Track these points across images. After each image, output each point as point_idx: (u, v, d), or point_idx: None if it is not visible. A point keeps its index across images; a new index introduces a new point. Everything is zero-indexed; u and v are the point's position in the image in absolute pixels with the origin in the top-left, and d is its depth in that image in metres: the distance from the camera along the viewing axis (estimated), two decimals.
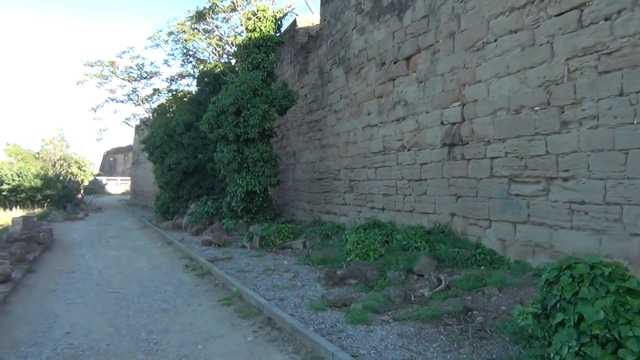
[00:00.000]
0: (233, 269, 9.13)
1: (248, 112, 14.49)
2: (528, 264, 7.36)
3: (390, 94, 11.44)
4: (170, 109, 23.18)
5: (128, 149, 56.16)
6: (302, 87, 17.06)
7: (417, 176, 10.38)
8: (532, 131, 7.31)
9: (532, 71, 7.33)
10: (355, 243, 8.93)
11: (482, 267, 7.72)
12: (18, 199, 27.23)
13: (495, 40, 8.09)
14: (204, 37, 18.94)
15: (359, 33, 12.91)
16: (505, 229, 7.91)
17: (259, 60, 15.20)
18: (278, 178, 15.42)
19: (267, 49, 15.40)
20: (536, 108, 7.25)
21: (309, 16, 18.61)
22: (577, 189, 6.58)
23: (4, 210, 25.04)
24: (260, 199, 15.01)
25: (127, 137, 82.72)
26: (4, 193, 27.30)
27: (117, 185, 57.91)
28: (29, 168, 29.34)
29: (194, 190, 19.69)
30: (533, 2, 7.33)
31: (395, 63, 11.22)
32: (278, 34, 16.01)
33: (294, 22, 18.10)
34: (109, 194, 54.31)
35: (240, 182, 14.61)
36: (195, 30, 19.41)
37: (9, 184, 27.35)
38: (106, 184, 57.07)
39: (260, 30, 15.29)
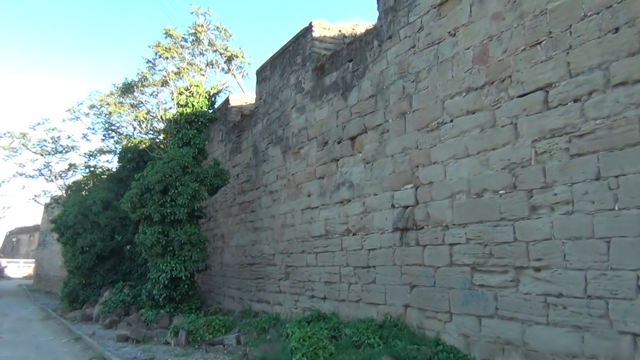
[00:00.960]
0: None
1: (176, 191, 13.38)
2: None
3: (334, 175, 10.84)
4: (87, 187, 21.42)
5: (34, 228, 51.99)
6: (234, 167, 16.23)
7: (364, 263, 9.60)
8: (497, 216, 6.81)
9: (495, 153, 6.95)
10: (301, 340, 7.84)
11: None
12: None
13: (452, 121, 7.75)
14: (130, 110, 17.89)
15: (298, 112, 12.45)
16: (468, 324, 7.18)
17: (190, 136, 14.32)
18: (206, 263, 14.12)
19: (199, 125, 14.61)
20: (501, 192, 6.79)
21: (241, 95, 18.16)
22: (552, 280, 6.01)
23: None
24: (186, 286, 13.59)
25: (34, 216, 77.01)
26: None
27: (19, 268, 52.88)
28: None
29: (109, 275, 17.76)
30: (492, 82, 7.08)
31: (339, 143, 10.72)
32: (211, 111, 15.31)
33: (227, 100, 17.56)
34: (9, 277, 49.28)
35: (164, 268, 13.20)
36: (120, 104, 18.38)
37: None
38: (6, 266, 51.96)
39: (193, 105, 14.54)
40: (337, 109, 10.84)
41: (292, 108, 12.80)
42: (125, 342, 10.86)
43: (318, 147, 11.50)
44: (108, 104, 18.60)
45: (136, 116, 17.44)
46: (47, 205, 39.47)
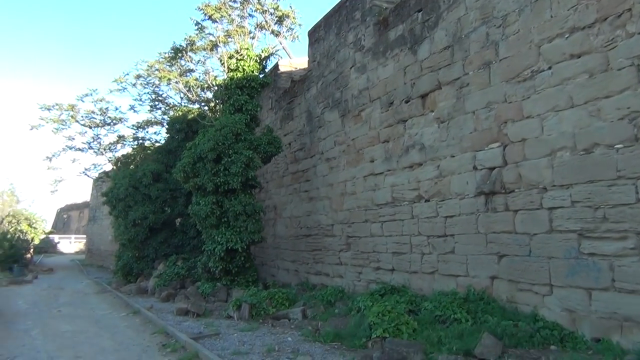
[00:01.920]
0: (226, 350, 7.15)
1: (229, 159, 12.78)
2: (615, 343, 5.73)
3: (401, 138, 10.00)
4: (136, 159, 21.10)
5: (84, 205, 53.05)
6: (286, 135, 15.53)
7: (440, 231, 8.79)
8: (613, 174, 5.87)
9: (608, 101, 5.97)
10: (380, 315, 7.15)
11: (553, 347, 6.07)
12: None
13: (550, 68, 6.77)
14: (178, 78, 17.26)
15: (358, 72, 11.58)
16: (575, 297, 6.32)
17: (242, 102, 13.64)
18: (262, 234, 13.57)
19: (250, 91, 13.89)
20: (618, 146, 5.84)
21: (290, 60, 17.35)
22: None
23: None
24: (242, 258, 13.08)
25: (83, 193, 78.64)
26: None
27: (71, 244, 54.13)
28: None
29: (162, 248, 17.48)
30: (605, 19, 6.06)
31: (407, 102, 9.84)
32: (262, 75, 14.55)
33: (276, 66, 16.78)
34: (62, 253, 50.50)
35: (219, 239, 12.70)
36: (168, 71, 17.75)
37: None
38: (58, 242, 53.23)
39: (244, 70, 13.82)
40: (405, 65, 9.92)
41: (350, 68, 11.94)
42: (184, 316, 10.43)
43: (382, 108, 10.65)
44: (157, 69, 17.94)
45: (186, 82, 16.80)
46: (95, 182, 39.92)
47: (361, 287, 11.19)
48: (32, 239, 31.81)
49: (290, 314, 9.59)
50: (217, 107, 15.65)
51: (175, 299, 12.96)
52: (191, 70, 17.64)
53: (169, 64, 17.56)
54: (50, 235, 45.99)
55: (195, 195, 13.42)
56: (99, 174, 25.16)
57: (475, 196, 7.99)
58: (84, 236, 47.70)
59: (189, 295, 12.64)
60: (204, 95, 17.59)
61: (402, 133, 9.97)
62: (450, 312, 7.21)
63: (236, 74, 13.77)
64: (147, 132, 22.08)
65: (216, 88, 15.03)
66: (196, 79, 17.25)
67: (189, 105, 18.59)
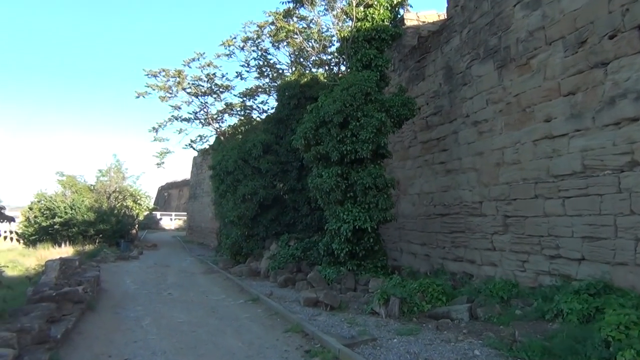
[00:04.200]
0: None
1: (358, 124, 10.85)
2: None
3: (598, 87, 7.55)
4: (242, 131, 19.65)
5: (183, 183, 53.99)
6: (415, 98, 13.33)
7: None
8: None
9: None
10: (620, 327, 4.92)
11: None
12: (70, 234, 24.42)
13: None
14: (291, 36, 15.42)
15: (527, 8, 9.15)
16: None
17: (371, 57, 11.58)
18: (393, 212, 11.60)
19: (380, 44, 11.81)
20: None
21: (418, 14, 15.04)
22: None
23: (54, 246, 22.19)
24: (371, 239, 11.21)
25: (182, 172, 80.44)
26: (56, 226, 24.58)
27: (172, 221, 55.32)
28: (82, 200, 26.64)
29: (272, 226, 15.95)
30: None
31: (611, 38, 7.34)
32: (393, 26, 12.35)
33: (401, 20, 14.52)
34: (163, 229, 51.69)
35: (345, 217, 10.87)
36: (285, 23, 15.85)
37: (61, 216, 24.64)
38: (160, 219, 54.59)
39: (373, 19, 11.73)
40: None
41: (514, 6, 9.51)
42: (314, 307, 8.71)
43: (566, 50, 8.20)
44: (274, 22, 16.07)
45: (308, 34, 14.86)
46: (196, 159, 39.79)
47: (526, 279, 8.96)
48: (137, 215, 32.02)
49: (452, 312, 7.53)
50: (339, 68, 13.63)
51: (296, 285, 11.34)
52: (310, 24, 15.71)
53: (284, 18, 15.72)
54: (153, 212, 46.92)
55: (317, 167, 11.64)
56: (204, 148, 24.06)
57: None
58: (184, 213, 48.34)
59: (312, 282, 10.93)
60: (320, 58, 15.58)
61: (602, 80, 7.50)
62: None
63: (364, 24, 11.71)
64: (254, 100, 20.54)
65: (339, 43, 13.02)
66: (318, 31, 15.30)
67: (301, 70, 16.77)
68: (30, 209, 26.19)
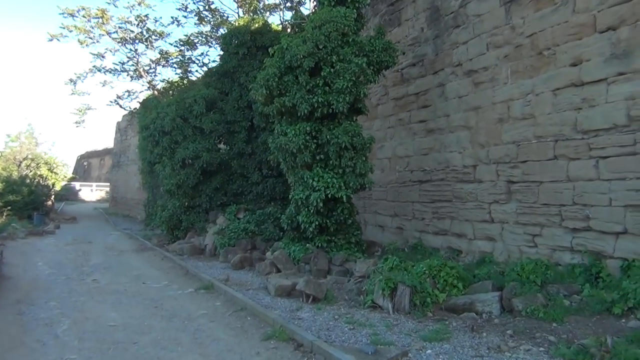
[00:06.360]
0: None
1: (332, 70, 8.91)
2: None
3: None
4: (180, 86, 16.95)
5: (104, 152, 49.99)
6: None
7: None
8: None
9: None
10: None
11: None
12: None
13: None
14: None
15: None
16: None
17: None
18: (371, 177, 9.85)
19: None
20: None
21: None
22: None
23: None
24: (345, 211, 9.41)
25: (103, 140, 74.30)
26: None
27: (92, 192, 51.20)
28: None
29: (217, 196, 13.71)
30: None
31: None
32: None
33: None
34: (83, 201, 47.63)
35: (314, 184, 8.96)
36: None
37: None
38: (80, 190, 50.29)
39: None
40: None
41: None
42: (288, 298, 6.82)
43: None
44: None
45: None
46: (119, 124, 36.33)
47: (538, 256, 7.47)
48: (53, 185, 28.57)
49: (476, 303, 5.86)
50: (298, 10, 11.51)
51: (256, 267, 9.37)
52: None
53: None
54: (72, 182, 43.06)
55: (280, 123, 9.59)
56: (133, 109, 20.94)
57: None
58: (107, 184, 44.85)
59: (276, 263, 8.95)
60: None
61: None
62: None
63: None
64: (192, 52, 17.75)
65: None
66: None
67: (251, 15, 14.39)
68: None
